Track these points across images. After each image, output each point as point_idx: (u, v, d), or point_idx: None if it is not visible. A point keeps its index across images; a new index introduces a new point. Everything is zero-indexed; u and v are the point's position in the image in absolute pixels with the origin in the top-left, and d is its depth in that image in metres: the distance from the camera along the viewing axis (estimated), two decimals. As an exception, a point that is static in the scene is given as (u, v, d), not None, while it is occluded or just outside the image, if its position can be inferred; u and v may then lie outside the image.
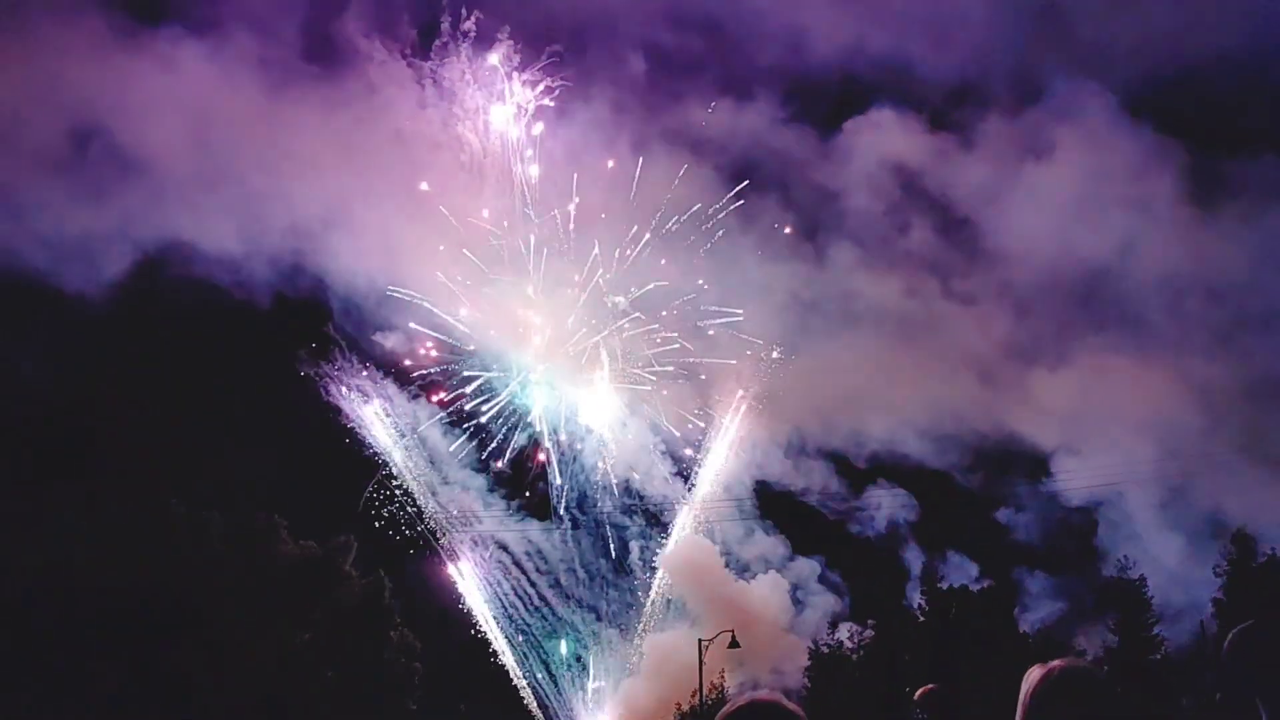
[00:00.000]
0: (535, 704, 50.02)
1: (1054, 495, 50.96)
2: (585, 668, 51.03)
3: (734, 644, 37.18)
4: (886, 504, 52.65)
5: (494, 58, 50.11)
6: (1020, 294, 53.15)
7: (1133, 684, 35.01)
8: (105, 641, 34.77)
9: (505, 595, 50.27)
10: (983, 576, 47.39)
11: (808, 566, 51.79)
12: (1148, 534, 46.74)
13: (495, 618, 49.84)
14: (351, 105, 49.42)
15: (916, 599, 43.34)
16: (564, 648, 50.87)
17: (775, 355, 51.58)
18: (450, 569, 49.64)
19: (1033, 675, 3.49)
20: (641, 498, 52.14)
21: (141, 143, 46.57)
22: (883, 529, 52.59)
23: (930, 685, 5.65)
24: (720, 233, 51.60)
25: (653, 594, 51.72)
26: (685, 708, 43.39)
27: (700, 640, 39.06)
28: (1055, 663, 3.53)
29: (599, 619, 51.51)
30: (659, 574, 51.80)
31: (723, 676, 42.64)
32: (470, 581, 49.94)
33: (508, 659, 49.71)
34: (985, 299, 53.28)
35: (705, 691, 40.11)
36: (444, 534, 49.83)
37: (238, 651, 37.82)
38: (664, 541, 52.27)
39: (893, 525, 52.27)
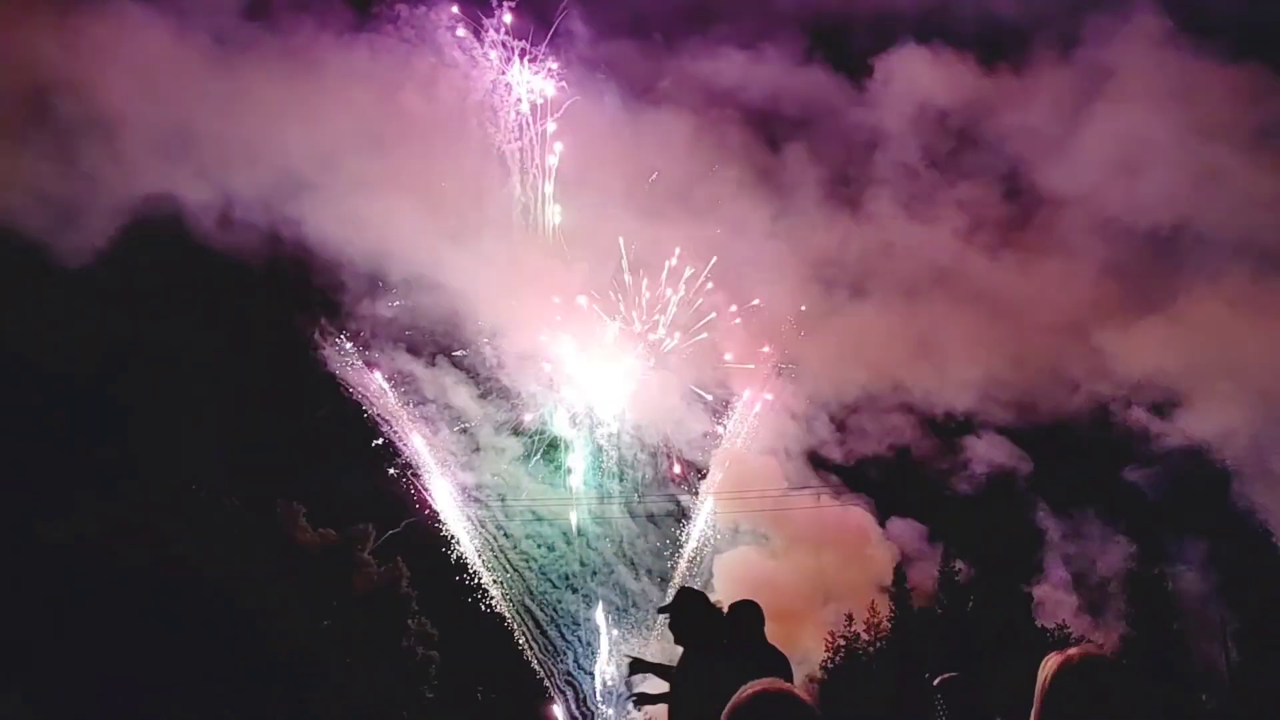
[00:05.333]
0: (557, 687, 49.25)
1: (1177, 449, 45.85)
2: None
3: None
4: (991, 461, 48.76)
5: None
6: (1099, 240, 48.53)
7: (1152, 677, 34.88)
8: (120, 626, 35.06)
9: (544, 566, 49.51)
10: (1133, 540, 44.53)
11: (905, 529, 48.70)
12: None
13: (518, 593, 49.17)
14: (313, 65, 46.77)
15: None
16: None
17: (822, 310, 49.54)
18: (465, 545, 49.00)
19: (1050, 663, 3.51)
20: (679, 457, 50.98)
21: (103, 105, 45.20)
22: (985, 488, 48.62)
23: (952, 673, 5.68)
24: (739, 187, 49.28)
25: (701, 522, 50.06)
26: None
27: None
28: (1072, 650, 3.55)
29: (651, 577, 50.09)
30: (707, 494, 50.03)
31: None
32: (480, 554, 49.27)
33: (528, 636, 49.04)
34: (1059, 247, 49.21)
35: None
36: (480, 509, 49.05)
37: (254, 638, 38.09)
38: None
39: (997, 482, 48.33)
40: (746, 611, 6.94)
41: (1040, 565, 45.63)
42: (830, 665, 42.33)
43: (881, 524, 49.00)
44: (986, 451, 48.82)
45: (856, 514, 48.84)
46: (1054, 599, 44.57)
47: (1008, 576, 42.75)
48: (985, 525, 45.61)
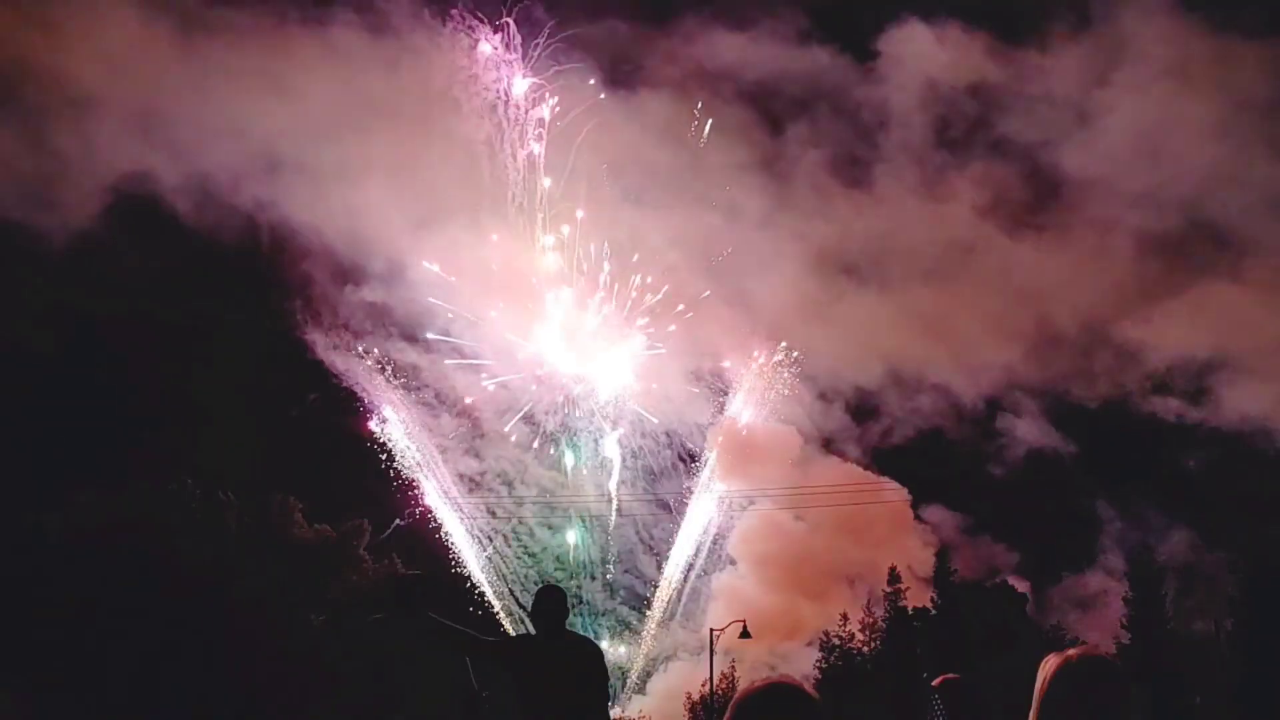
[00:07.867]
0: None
1: (1223, 435, 46.06)
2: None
3: (745, 634, 36.48)
4: (1030, 445, 48.69)
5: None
6: (1119, 223, 49.63)
7: (1148, 678, 34.89)
8: (118, 621, 35.04)
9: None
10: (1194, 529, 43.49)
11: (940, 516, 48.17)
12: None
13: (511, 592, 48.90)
14: (280, 49, 47.45)
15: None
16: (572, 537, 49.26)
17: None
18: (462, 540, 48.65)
19: (1049, 664, 3.48)
20: (687, 451, 50.66)
21: (71, 88, 44.97)
22: (1021, 473, 48.27)
23: (950, 674, 5.65)
24: (738, 170, 49.63)
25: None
26: (695, 698, 43.29)
27: (711, 630, 38.79)
28: (1071, 651, 3.52)
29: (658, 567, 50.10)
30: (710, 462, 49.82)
31: (733, 667, 42.43)
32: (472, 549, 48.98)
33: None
34: (1081, 231, 49.92)
35: (715, 681, 39.97)
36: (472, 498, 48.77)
37: (251, 632, 38.05)
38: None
39: (1037, 467, 47.94)
40: (553, 598, 6.89)
41: (1093, 554, 45.46)
42: (824, 666, 42.22)
43: (916, 511, 48.75)
44: (1025, 434, 48.57)
45: (888, 498, 48.58)
46: (1107, 588, 44.46)
47: (1055, 565, 42.14)
48: (1026, 511, 44.99)
